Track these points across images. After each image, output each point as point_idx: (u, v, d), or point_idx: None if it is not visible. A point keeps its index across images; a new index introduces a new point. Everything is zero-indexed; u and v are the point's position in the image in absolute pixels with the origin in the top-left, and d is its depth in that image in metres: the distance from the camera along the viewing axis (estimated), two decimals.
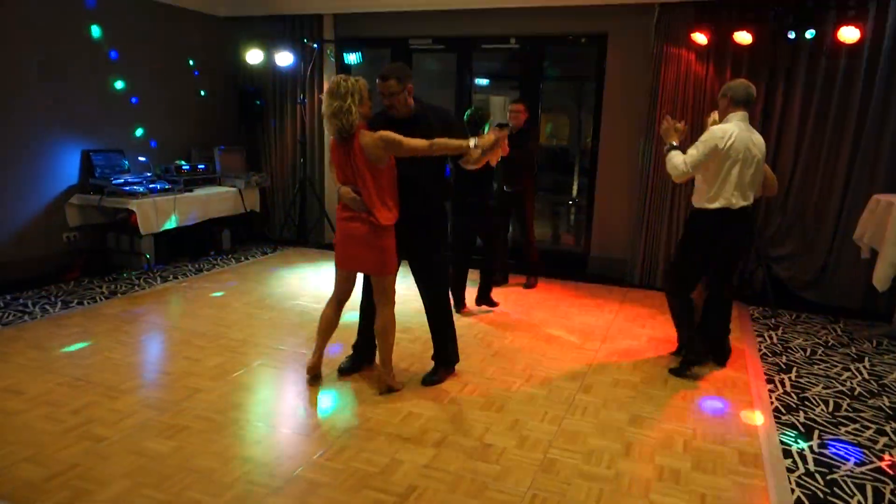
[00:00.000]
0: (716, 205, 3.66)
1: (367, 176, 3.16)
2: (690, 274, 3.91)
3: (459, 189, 4.60)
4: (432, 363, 3.73)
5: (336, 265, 3.46)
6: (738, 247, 3.85)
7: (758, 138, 3.72)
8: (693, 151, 3.64)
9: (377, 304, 3.41)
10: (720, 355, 4.05)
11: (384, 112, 3.35)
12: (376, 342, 3.51)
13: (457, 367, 3.80)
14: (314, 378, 3.57)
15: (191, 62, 6.82)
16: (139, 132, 6.28)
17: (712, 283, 3.95)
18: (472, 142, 3.21)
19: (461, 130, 3.35)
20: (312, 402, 3.37)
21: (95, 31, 5.72)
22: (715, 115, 3.90)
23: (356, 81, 3.15)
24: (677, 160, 3.68)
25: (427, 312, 3.67)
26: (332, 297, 3.55)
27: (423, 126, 3.26)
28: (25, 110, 5.25)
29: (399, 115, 3.29)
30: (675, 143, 3.78)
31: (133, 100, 6.18)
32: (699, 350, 3.86)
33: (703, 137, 3.65)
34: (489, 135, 3.33)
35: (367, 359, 3.81)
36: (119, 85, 6.02)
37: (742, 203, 3.67)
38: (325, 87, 3.18)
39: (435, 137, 3.17)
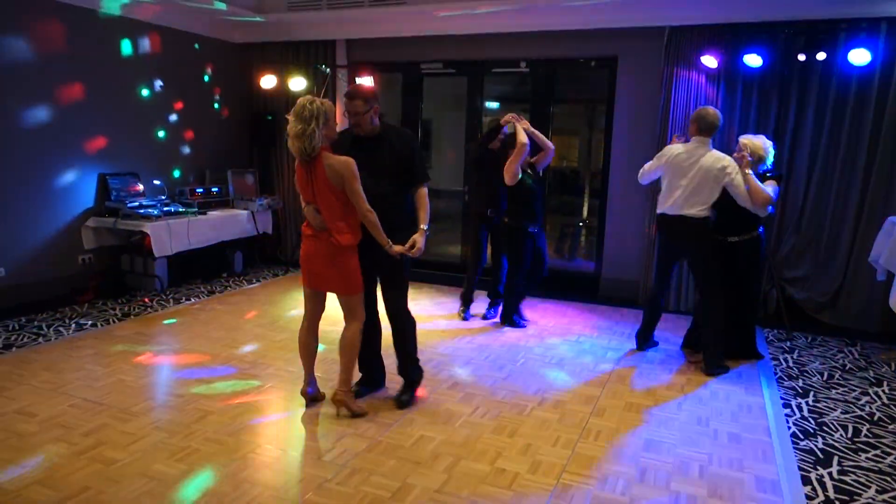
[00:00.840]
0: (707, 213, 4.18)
1: (328, 197, 3.18)
2: (659, 273, 4.53)
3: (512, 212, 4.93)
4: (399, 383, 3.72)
5: (302, 283, 3.46)
6: (694, 255, 4.27)
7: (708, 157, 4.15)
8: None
9: (344, 320, 3.43)
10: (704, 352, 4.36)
11: (350, 129, 3.45)
12: (339, 358, 3.42)
13: (469, 390, 3.77)
14: (311, 401, 3.56)
15: (205, 86, 6.93)
16: (152, 155, 6.37)
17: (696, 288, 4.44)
18: (389, 242, 3.29)
19: (420, 156, 3.47)
20: (322, 426, 3.35)
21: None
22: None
23: (322, 104, 3.16)
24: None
25: (394, 329, 3.63)
26: (303, 319, 3.52)
27: (385, 146, 3.39)
28: (43, 133, 5.35)
29: (363, 133, 3.38)
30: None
31: (149, 122, 6.28)
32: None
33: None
34: (415, 239, 3.33)
35: (378, 380, 3.80)
36: (136, 108, 6.12)
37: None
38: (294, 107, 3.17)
39: (395, 158, 3.35)
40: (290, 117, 3.16)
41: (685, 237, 4.24)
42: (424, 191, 3.46)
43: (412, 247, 3.31)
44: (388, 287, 3.57)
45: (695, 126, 4.20)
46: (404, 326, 3.62)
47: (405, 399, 3.61)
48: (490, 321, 5.30)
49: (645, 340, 4.70)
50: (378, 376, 3.83)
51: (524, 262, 4.95)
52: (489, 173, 5.06)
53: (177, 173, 6.68)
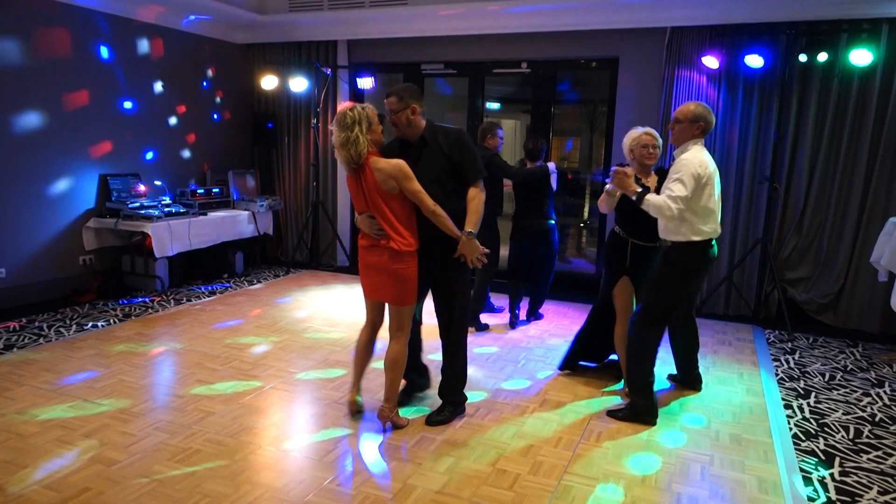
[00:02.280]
0: (703, 237, 3.37)
1: (380, 204, 3.09)
2: (672, 312, 3.61)
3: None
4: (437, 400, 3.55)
5: (364, 295, 3.37)
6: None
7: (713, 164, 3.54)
8: (680, 186, 3.26)
9: (390, 334, 3.25)
10: (693, 379, 4.01)
11: (398, 137, 3.34)
12: (385, 375, 3.28)
13: (470, 390, 3.76)
14: (356, 413, 3.45)
15: (207, 87, 6.93)
16: (153, 156, 6.37)
17: (683, 308, 3.85)
18: (461, 234, 3.15)
19: (471, 153, 3.24)
20: (323, 427, 3.34)
21: (105, 52, 5.85)
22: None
23: (363, 109, 3.08)
24: (659, 201, 3.28)
25: (444, 344, 3.45)
26: (365, 323, 3.41)
27: (431, 149, 3.21)
28: (45, 134, 5.35)
29: (405, 135, 3.25)
30: (639, 189, 3.38)
31: (150, 124, 6.28)
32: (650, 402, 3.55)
33: (681, 170, 3.30)
34: (460, 251, 3.19)
35: (424, 384, 3.75)
36: (137, 109, 6.13)
37: (719, 231, 3.49)
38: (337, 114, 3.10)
39: (443, 161, 3.19)
40: (333, 128, 3.09)
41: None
42: (475, 191, 3.21)
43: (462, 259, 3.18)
44: (444, 298, 3.37)
45: (697, 127, 3.46)
46: (456, 346, 3.42)
47: (440, 419, 3.41)
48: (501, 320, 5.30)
49: (687, 375, 4.06)
50: (424, 381, 3.75)
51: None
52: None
53: (178, 174, 6.68)
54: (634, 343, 3.53)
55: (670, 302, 3.49)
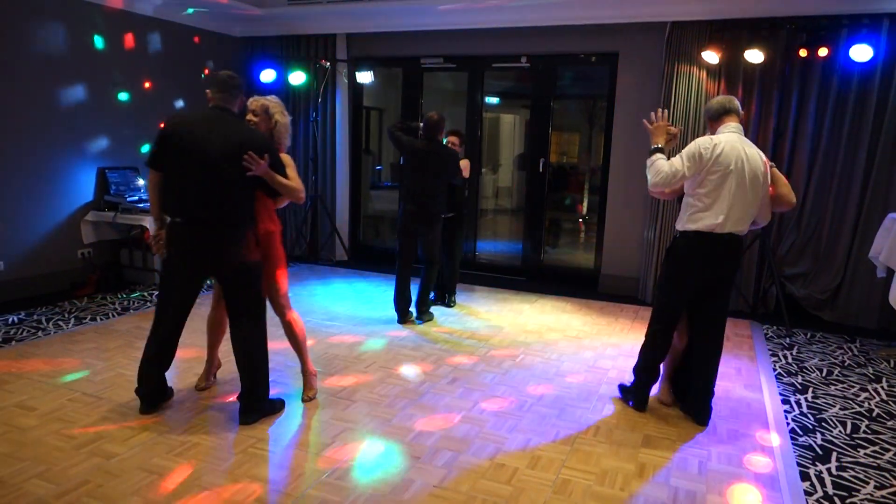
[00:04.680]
0: (696, 226, 3.20)
1: None
2: (674, 318, 3.42)
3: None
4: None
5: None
6: (725, 283, 3.35)
7: (752, 152, 3.22)
8: (677, 161, 3.20)
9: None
10: (700, 411, 3.42)
11: None
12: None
13: (468, 385, 3.77)
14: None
15: (205, 80, 6.91)
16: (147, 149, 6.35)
17: (698, 324, 3.45)
18: None
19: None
20: (322, 420, 3.35)
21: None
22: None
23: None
24: (661, 164, 3.23)
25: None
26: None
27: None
28: (43, 127, 5.33)
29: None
30: (661, 145, 3.34)
31: (148, 117, 6.26)
32: (642, 398, 3.57)
33: (688, 147, 3.23)
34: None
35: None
36: (136, 102, 6.11)
37: (730, 228, 3.17)
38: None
39: None
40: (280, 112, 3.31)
41: (723, 263, 3.30)
42: None
43: None
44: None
45: (709, 122, 3.41)
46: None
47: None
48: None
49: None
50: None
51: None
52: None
53: None
54: (645, 340, 3.55)
55: (667, 299, 3.40)
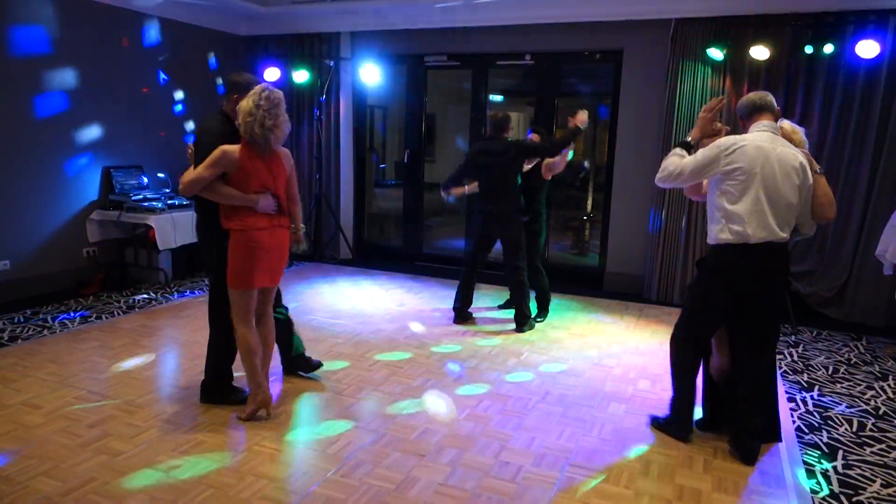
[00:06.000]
0: (725, 237, 2.91)
1: (284, 185, 3.31)
2: (703, 332, 3.12)
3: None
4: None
5: (257, 284, 3.19)
6: (771, 298, 2.98)
7: (786, 151, 2.89)
8: (689, 157, 3.01)
9: (267, 312, 3.38)
10: (745, 449, 3.02)
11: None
12: (268, 351, 3.37)
13: (473, 383, 3.77)
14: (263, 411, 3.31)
15: (210, 79, 6.92)
16: (156, 148, 6.37)
17: (739, 348, 3.08)
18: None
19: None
20: (327, 418, 3.35)
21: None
22: None
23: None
24: (672, 159, 3.03)
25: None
26: (250, 321, 3.26)
27: None
28: (48, 126, 5.35)
29: None
30: (691, 140, 3.09)
31: (153, 115, 6.27)
32: (684, 421, 3.21)
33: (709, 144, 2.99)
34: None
35: None
36: (140, 100, 6.12)
37: (763, 235, 2.85)
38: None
39: None
40: (268, 106, 3.03)
41: (766, 275, 2.94)
42: None
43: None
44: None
45: (741, 122, 3.09)
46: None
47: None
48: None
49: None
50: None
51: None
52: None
53: (181, 166, 6.67)
54: (672, 357, 3.23)
55: (697, 316, 3.09)
